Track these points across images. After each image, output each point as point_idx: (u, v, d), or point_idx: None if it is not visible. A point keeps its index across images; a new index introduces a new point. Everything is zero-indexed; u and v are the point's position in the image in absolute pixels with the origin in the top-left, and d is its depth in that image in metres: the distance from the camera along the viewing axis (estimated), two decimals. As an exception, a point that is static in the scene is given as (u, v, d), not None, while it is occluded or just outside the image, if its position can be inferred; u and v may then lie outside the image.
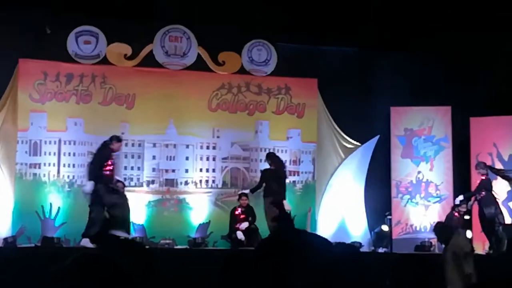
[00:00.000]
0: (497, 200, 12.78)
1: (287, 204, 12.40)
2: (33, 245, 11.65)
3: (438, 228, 9.22)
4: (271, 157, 12.69)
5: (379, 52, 14.14)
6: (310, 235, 2.09)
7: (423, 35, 13.55)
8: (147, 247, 11.34)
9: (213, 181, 13.81)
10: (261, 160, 13.78)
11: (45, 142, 12.91)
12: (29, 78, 12.83)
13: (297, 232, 2.07)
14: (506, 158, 13.83)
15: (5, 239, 11.52)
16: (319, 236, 2.11)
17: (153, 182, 13.45)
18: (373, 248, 13.44)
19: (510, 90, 13.68)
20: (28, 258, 9.66)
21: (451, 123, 14.24)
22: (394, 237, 13.85)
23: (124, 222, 11.15)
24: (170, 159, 13.62)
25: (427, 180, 14.16)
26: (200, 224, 13.39)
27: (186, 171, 13.68)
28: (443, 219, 12.84)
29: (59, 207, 12.73)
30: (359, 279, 2.13)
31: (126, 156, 13.24)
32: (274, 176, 12.40)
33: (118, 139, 11.41)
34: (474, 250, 10.13)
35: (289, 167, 13.94)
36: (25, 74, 12.81)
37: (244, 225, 12.49)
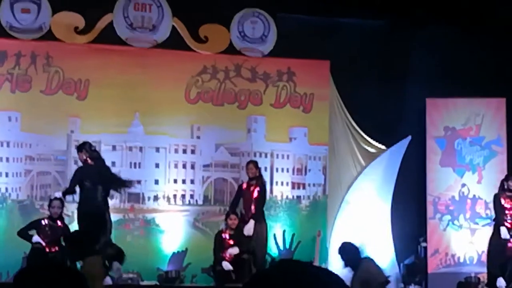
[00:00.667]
0: None
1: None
2: None
3: (344, 249, 9.60)
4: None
5: (411, 26, 13.95)
6: (318, 270, 2.05)
7: (471, 4, 13.48)
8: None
9: (192, 196, 13.61)
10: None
11: (-32, 144, 12.32)
12: None
13: (300, 265, 2.05)
14: None
15: None
16: (330, 272, 2.07)
17: (111, 197, 12.41)
18: (402, 285, 13.40)
19: None
20: None
21: (505, 120, 14.05)
22: (430, 271, 13.69)
23: None
24: (135, 167, 13.44)
25: (474, 196, 13.90)
26: (174, 253, 13.08)
27: (156, 182, 13.47)
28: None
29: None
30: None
31: (76, 162, 12.47)
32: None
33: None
34: (389, 281, 10.19)
35: (292, 177, 14.08)
36: None
37: (234, 251, 12.09)
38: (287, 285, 1.94)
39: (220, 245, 12.15)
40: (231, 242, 12.16)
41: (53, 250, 11.63)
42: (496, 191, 13.05)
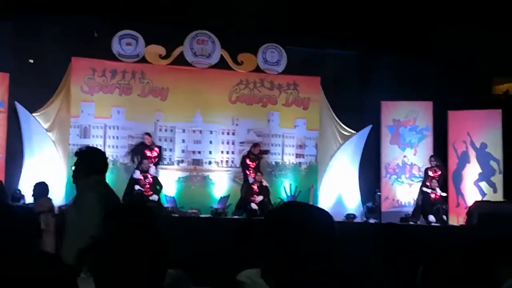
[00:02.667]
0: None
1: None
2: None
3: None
4: None
5: (373, 55, 14.03)
6: (312, 206, 2.04)
7: (411, 42, 13.47)
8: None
9: (232, 161, 13.71)
10: (272, 145, 13.86)
11: (93, 127, 12.96)
12: (80, 74, 12.87)
13: (301, 204, 2.02)
14: (478, 145, 13.75)
15: (60, 207, 11.61)
16: (320, 208, 2.09)
17: (182, 161, 13.45)
18: (365, 219, 13.39)
19: (481, 88, 13.91)
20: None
21: (432, 116, 14.13)
22: (383, 210, 13.74)
23: None
24: (197, 143, 13.57)
25: (411, 163, 14.06)
26: (221, 197, 13.33)
27: (210, 152, 13.62)
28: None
29: (104, 182, 12.84)
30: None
31: (160, 140, 13.23)
32: None
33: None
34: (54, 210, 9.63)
35: (296, 150, 14.04)
36: (77, 70, 12.85)
37: (259, 198, 12.45)
38: (289, 216, 1.91)
39: (250, 193, 12.52)
40: (257, 191, 12.53)
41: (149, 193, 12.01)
42: (426, 161, 13.43)
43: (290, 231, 1.86)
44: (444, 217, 12.76)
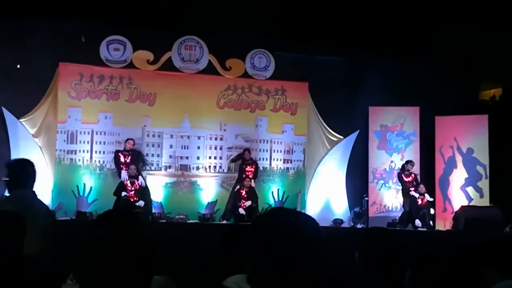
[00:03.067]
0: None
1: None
2: (69, 218, 11.70)
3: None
4: None
5: (360, 61, 14.04)
6: (299, 212, 2.05)
7: (398, 48, 13.50)
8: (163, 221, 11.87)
9: (220, 167, 13.68)
10: (260, 150, 13.85)
11: (80, 133, 12.90)
12: (67, 79, 12.81)
13: (288, 210, 2.03)
14: (464, 150, 13.82)
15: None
16: (306, 214, 2.08)
17: (170, 167, 13.41)
18: (352, 224, 13.35)
19: (468, 93, 13.93)
20: (65, 229, 9.66)
21: (419, 121, 14.15)
22: (370, 215, 13.77)
23: None
24: (184, 148, 13.52)
25: (398, 168, 13.88)
26: (208, 202, 13.32)
27: (198, 158, 13.57)
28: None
29: (91, 187, 12.76)
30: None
31: (147, 145, 13.21)
32: None
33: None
34: None
35: (283, 156, 14.04)
36: (64, 75, 12.79)
37: (248, 203, 12.43)
38: (277, 221, 1.91)
39: (238, 198, 12.47)
40: (246, 196, 12.48)
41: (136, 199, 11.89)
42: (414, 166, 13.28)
43: (278, 237, 1.86)
44: (431, 222, 12.78)
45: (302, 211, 12.62)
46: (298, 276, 1.77)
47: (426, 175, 13.67)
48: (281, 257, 1.83)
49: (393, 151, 14.24)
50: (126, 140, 12.49)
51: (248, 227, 1.99)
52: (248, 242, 1.91)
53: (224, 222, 12.32)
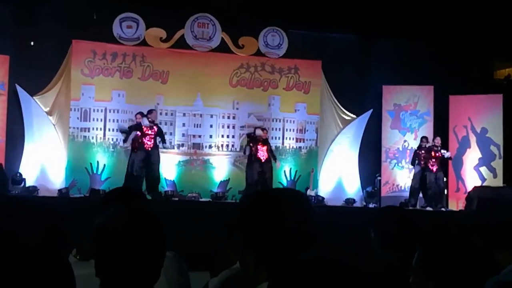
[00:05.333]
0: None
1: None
2: (82, 195, 11.81)
3: None
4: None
5: (374, 39, 13.96)
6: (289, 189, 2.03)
7: (411, 26, 13.29)
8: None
9: (232, 146, 13.68)
10: (273, 129, 13.81)
11: (94, 110, 12.89)
12: (80, 56, 12.78)
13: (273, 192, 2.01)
14: (478, 130, 13.76)
15: (60, 190, 11.83)
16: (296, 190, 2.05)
17: (182, 145, 13.43)
18: (364, 203, 13.34)
19: (482, 73, 13.77)
20: (79, 206, 9.76)
21: (433, 100, 14.03)
22: (382, 195, 13.74)
23: None
24: (197, 126, 13.53)
25: (412, 147, 13.84)
26: (221, 181, 13.34)
27: (210, 136, 13.59)
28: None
29: (104, 164, 12.80)
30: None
31: (160, 123, 12.96)
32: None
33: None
34: None
35: (296, 134, 14.02)
36: (77, 53, 12.75)
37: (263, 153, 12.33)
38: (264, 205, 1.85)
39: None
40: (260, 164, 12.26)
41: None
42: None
43: (267, 220, 1.80)
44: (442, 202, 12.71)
45: (314, 190, 12.79)
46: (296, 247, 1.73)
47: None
48: (278, 232, 1.77)
49: (407, 131, 14.17)
50: (150, 112, 11.98)
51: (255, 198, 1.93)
52: (241, 220, 1.86)
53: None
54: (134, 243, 1.81)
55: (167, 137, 12.96)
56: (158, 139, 11.93)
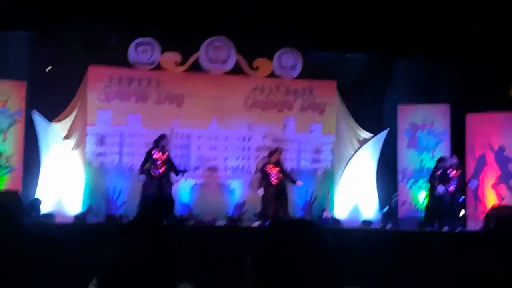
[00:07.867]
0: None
1: None
2: (99, 221, 11.78)
3: None
4: None
5: (389, 59, 14.01)
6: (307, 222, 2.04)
7: (427, 45, 13.27)
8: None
9: (248, 167, 13.67)
10: (288, 150, 13.77)
11: (110, 135, 12.96)
12: (97, 82, 12.88)
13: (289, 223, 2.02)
14: (496, 148, 13.56)
15: (76, 216, 11.81)
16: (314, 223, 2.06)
17: (198, 168, 13.44)
18: (382, 225, 13.10)
19: (499, 90, 13.59)
20: (96, 232, 9.76)
21: (449, 119, 13.95)
22: (400, 215, 13.61)
23: None
24: (212, 149, 13.55)
25: (428, 167, 13.64)
26: (236, 203, 13.29)
27: (226, 159, 13.58)
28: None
29: (120, 189, 12.79)
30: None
31: (176, 147, 13.21)
32: None
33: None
34: None
35: (312, 155, 13.97)
36: (94, 78, 12.86)
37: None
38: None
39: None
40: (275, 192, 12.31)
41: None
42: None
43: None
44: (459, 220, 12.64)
45: (330, 212, 12.69)
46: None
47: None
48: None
49: (423, 150, 14.06)
50: (162, 137, 12.05)
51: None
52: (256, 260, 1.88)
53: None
54: (139, 278, 1.80)
55: (182, 160, 12.99)
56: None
